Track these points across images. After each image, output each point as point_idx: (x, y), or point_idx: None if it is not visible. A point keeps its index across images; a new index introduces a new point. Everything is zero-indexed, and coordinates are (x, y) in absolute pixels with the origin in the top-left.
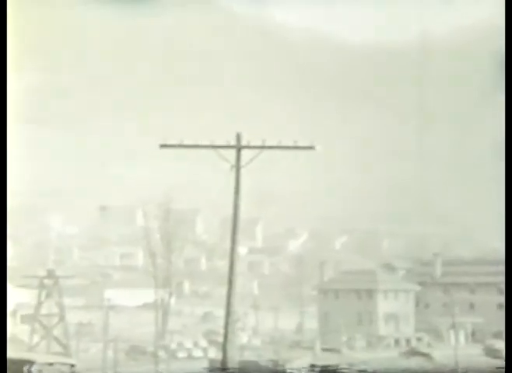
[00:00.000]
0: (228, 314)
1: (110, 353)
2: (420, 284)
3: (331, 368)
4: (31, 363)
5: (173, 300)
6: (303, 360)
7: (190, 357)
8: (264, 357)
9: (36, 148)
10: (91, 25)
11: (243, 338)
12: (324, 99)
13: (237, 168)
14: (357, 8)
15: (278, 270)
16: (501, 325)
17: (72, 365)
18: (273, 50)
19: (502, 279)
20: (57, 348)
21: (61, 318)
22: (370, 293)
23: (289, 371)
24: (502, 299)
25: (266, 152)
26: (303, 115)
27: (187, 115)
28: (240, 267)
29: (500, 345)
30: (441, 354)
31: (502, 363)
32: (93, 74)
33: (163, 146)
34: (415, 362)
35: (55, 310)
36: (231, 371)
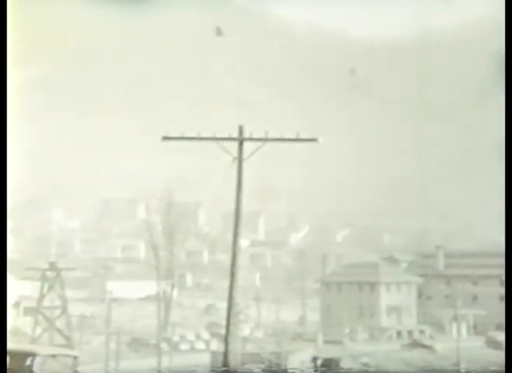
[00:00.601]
0: (230, 306)
1: (112, 345)
2: (422, 276)
3: (332, 370)
4: (34, 355)
5: (175, 292)
6: (306, 352)
7: (192, 349)
8: (267, 350)
9: (36, 142)
10: (91, 24)
11: (245, 330)
12: (325, 95)
13: (239, 160)
14: (358, 6)
15: (280, 263)
16: (503, 318)
17: (75, 357)
18: (275, 45)
19: (504, 271)
20: (59, 340)
21: (64, 310)
22: (373, 285)
23: (290, 370)
24: (504, 291)
25: (268, 145)
26: (304, 110)
27: (189, 111)
28: (242, 260)
29: (502, 337)
30: (443, 346)
31: (503, 354)
32: (94, 72)
33: (165, 138)
34: (417, 354)
35: (58, 302)
36: (232, 371)
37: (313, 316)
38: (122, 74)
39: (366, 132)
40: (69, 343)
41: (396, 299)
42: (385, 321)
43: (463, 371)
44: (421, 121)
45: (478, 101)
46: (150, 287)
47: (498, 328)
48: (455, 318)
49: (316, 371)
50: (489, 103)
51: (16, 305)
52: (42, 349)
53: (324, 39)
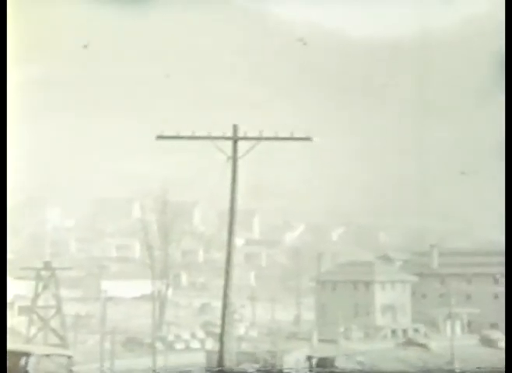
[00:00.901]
0: (225, 305)
1: (107, 344)
2: (417, 274)
3: (327, 369)
4: (28, 354)
5: (170, 291)
6: (301, 351)
7: (187, 348)
8: (262, 349)
9: (33, 141)
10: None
11: (240, 329)
12: (324, 94)
13: (234, 159)
14: (358, 6)
15: (275, 262)
16: (497, 316)
17: (69, 357)
18: (275, 45)
19: (498, 269)
20: (54, 340)
21: (58, 309)
22: (367, 284)
23: (285, 370)
24: (498, 290)
25: (265, 144)
26: (304, 110)
27: (189, 111)
28: (237, 259)
29: (496, 335)
30: (438, 345)
31: (497, 352)
32: (93, 71)
33: (160, 137)
34: (411, 353)
35: (52, 302)
36: (227, 370)
37: (308, 315)
38: (122, 74)
39: (366, 132)
40: (64, 342)
41: (391, 298)
42: (380, 319)
43: (457, 370)
44: (421, 121)
45: (478, 101)
46: (145, 287)
47: (492, 326)
48: (449, 317)
49: (311, 370)
50: (489, 103)
51: (11, 304)
52: (36, 348)
53: (324, 39)
